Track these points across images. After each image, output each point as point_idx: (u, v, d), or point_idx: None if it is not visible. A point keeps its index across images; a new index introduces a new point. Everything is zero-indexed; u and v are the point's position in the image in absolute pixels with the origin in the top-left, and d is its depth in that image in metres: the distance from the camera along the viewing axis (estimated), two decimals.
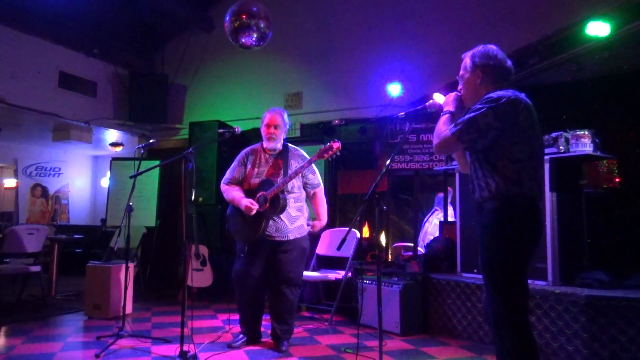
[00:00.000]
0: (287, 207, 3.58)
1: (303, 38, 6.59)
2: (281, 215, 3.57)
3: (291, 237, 3.60)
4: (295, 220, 3.64)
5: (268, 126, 3.69)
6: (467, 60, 2.37)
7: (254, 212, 3.49)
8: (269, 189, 3.53)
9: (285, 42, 6.47)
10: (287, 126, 3.81)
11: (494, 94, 2.18)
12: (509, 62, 2.33)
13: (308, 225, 3.77)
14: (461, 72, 2.39)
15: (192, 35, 7.28)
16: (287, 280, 3.57)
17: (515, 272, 2.14)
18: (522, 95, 2.22)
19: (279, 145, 3.74)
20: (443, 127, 2.28)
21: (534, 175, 2.16)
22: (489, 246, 2.18)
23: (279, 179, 3.56)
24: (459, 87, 2.42)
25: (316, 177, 3.80)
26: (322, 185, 3.86)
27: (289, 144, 3.84)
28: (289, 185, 3.57)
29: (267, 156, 3.74)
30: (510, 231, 2.13)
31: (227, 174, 3.80)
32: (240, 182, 3.75)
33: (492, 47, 2.33)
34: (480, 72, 2.30)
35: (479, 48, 2.35)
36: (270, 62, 6.71)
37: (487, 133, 2.14)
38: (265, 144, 3.75)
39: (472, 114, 2.17)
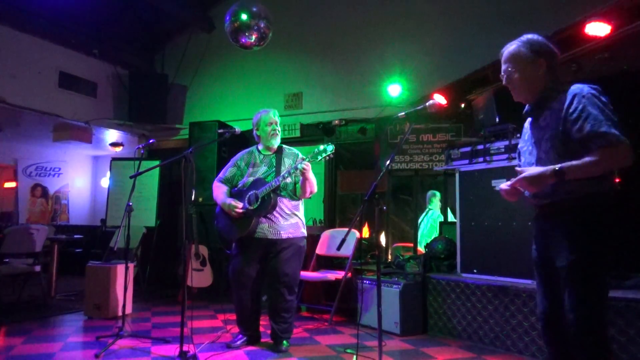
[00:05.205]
0: (281, 205, 3.60)
1: (303, 38, 6.59)
2: (275, 214, 3.59)
3: (284, 235, 3.60)
4: (289, 219, 3.64)
5: (271, 124, 3.73)
6: (520, 50, 2.10)
7: (235, 213, 3.55)
8: (261, 187, 3.56)
9: (285, 42, 6.47)
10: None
11: (590, 85, 2.00)
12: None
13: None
14: (510, 67, 2.13)
15: (192, 35, 7.28)
16: (284, 279, 3.56)
17: (606, 273, 1.97)
18: None
19: (277, 143, 3.79)
20: (589, 159, 1.91)
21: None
22: (579, 248, 1.96)
23: (272, 178, 3.58)
24: (504, 82, 2.19)
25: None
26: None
27: (284, 145, 3.87)
28: (283, 182, 3.58)
29: (262, 156, 3.78)
30: (600, 231, 1.97)
31: (220, 173, 3.87)
32: (231, 182, 3.80)
33: (536, 35, 2.11)
34: (544, 61, 2.07)
35: (528, 36, 2.11)
36: (270, 62, 6.72)
37: None
38: (267, 143, 3.76)
39: (605, 110, 1.97)
